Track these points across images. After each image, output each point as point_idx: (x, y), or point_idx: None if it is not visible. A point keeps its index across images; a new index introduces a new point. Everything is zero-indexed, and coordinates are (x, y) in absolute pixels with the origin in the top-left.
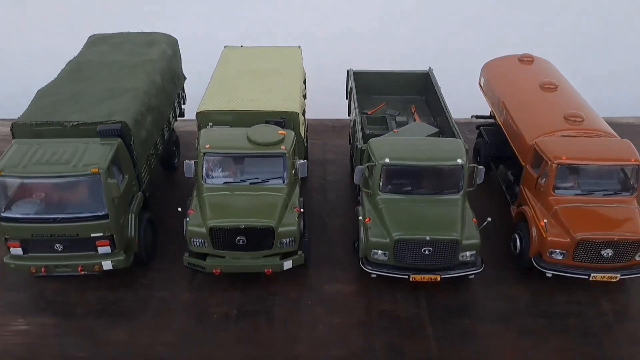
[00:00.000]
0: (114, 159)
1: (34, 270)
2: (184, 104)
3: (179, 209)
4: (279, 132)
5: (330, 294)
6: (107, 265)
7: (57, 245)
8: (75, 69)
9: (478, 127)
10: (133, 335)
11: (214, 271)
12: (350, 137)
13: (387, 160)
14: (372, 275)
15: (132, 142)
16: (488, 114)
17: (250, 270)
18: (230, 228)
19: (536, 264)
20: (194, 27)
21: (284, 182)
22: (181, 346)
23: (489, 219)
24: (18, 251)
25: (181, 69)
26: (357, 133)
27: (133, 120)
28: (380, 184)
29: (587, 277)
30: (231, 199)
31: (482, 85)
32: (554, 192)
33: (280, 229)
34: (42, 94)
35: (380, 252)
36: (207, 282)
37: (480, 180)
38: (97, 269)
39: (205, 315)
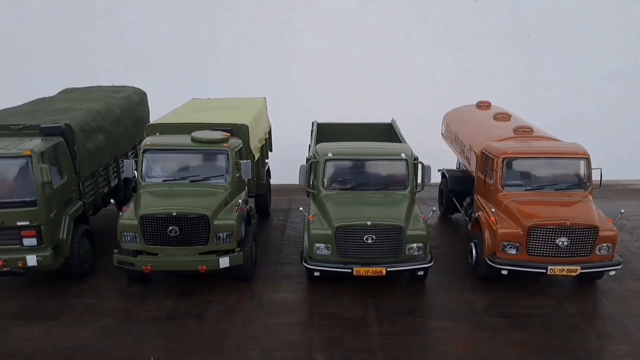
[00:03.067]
0: (50, 151)
1: None
2: None
3: (112, 201)
4: (224, 134)
5: (272, 301)
6: (31, 260)
7: None
8: (38, 100)
9: (440, 169)
10: (48, 333)
11: (144, 268)
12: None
13: (329, 155)
14: (315, 274)
15: (75, 147)
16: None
17: (183, 268)
18: (161, 216)
19: (491, 262)
20: (166, 85)
21: (225, 181)
22: (98, 341)
23: (434, 208)
24: None
25: (148, 120)
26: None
27: (79, 127)
28: (325, 181)
29: (544, 270)
30: (168, 192)
31: (443, 133)
32: (502, 188)
33: (216, 222)
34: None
35: (322, 246)
36: (141, 292)
37: (428, 180)
38: (21, 265)
39: (131, 317)
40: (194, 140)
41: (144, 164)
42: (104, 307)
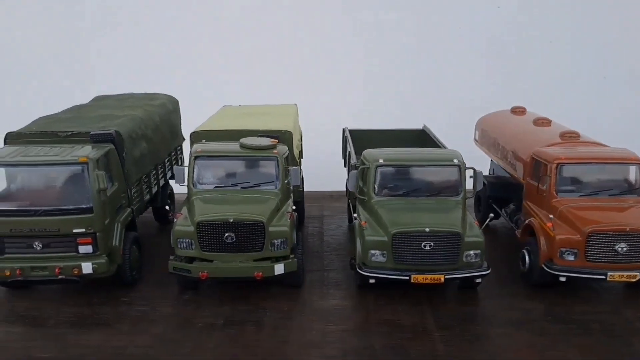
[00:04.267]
0: (104, 158)
1: (8, 274)
2: (180, 165)
3: (167, 207)
4: (272, 140)
5: (325, 308)
6: (87, 268)
7: (36, 243)
8: (75, 107)
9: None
10: (106, 340)
11: (200, 275)
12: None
13: (380, 161)
14: (371, 281)
15: (124, 154)
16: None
17: (239, 275)
18: (218, 222)
19: (548, 268)
20: (196, 91)
21: (276, 187)
22: (157, 348)
23: (491, 215)
24: None
25: (180, 128)
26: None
27: (127, 134)
28: (376, 187)
29: (603, 277)
30: (222, 198)
31: (477, 139)
32: (557, 194)
33: (271, 228)
34: (40, 118)
35: (377, 252)
36: (193, 299)
37: (479, 186)
38: (77, 272)
39: (188, 324)
40: (243, 146)
41: (195, 170)
42: (158, 314)
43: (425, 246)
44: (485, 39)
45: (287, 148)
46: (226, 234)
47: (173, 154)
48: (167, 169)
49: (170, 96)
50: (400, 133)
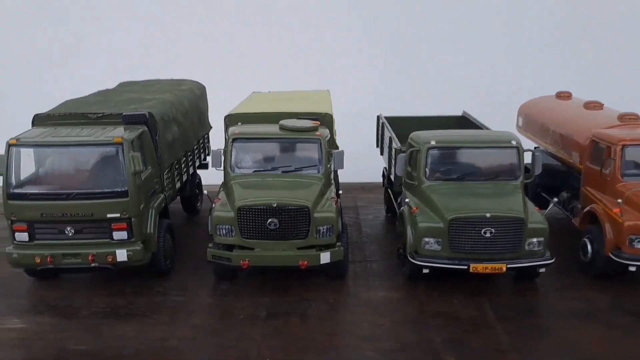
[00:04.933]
0: (138, 140)
1: (39, 261)
2: (206, 154)
3: (205, 192)
4: (314, 122)
5: (373, 299)
6: (121, 255)
7: (69, 229)
8: (102, 91)
9: None
10: (143, 331)
11: (241, 263)
12: (385, 173)
13: (432, 142)
14: (425, 271)
15: (157, 137)
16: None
17: (283, 263)
18: (261, 207)
19: (616, 257)
20: (223, 78)
21: (319, 172)
22: (200, 339)
23: (555, 199)
24: (23, 236)
25: (207, 115)
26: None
27: (160, 117)
28: (427, 171)
29: None
30: (262, 183)
31: (520, 125)
32: (622, 178)
33: (316, 214)
34: (68, 101)
35: (432, 240)
36: (231, 289)
37: (538, 170)
38: (111, 260)
39: (228, 315)
40: (282, 128)
41: (233, 153)
42: (196, 304)
43: (485, 233)
44: (517, 26)
45: (328, 131)
46: (269, 220)
47: (201, 141)
48: (195, 157)
49: (197, 82)
50: (439, 120)
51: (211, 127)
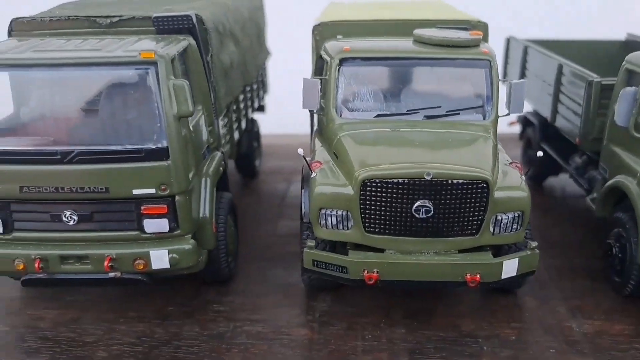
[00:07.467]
0: (181, 58)
1: (22, 267)
2: (264, 92)
3: (300, 150)
4: (473, 32)
5: (584, 337)
6: (159, 259)
7: (68, 214)
8: None
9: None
10: None
11: (364, 276)
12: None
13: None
14: None
15: (209, 57)
16: None
17: (434, 278)
18: (405, 180)
19: None
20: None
21: (486, 117)
22: None
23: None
24: None
25: (265, 34)
26: None
27: (212, 24)
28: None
29: None
30: (395, 135)
31: None
32: None
33: (498, 193)
34: (66, 2)
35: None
36: (336, 311)
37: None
38: (142, 268)
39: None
40: (423, 42)
41: (340, 84)
42: (289, 341)
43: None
44: None
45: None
46: (417, 203)
47: (260, 73)
48: (255, 96)
49: None
50: (594, 45)
51: (270, 54)
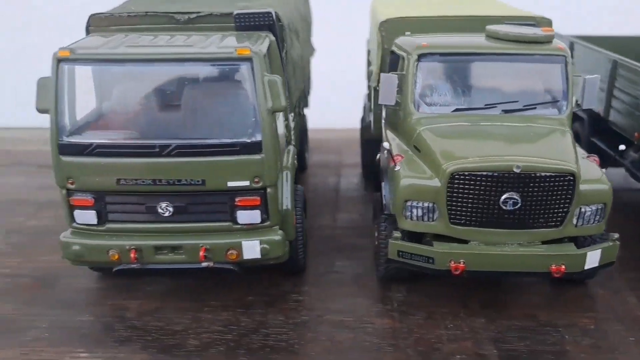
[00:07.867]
0: (267, 54)
1: (116, 257)
2: (307, 93)
3: (386, 144)
4: (546, 29)
5: None
6: (251, 249)
7: (164, 205)
8: None
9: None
10: None
11: (451, 266)
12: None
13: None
14: None
15: (284, 53)
16: None
17: (521, 268)
18: (493, 173)
19: None
20: None
21: (562, 111)
22: None
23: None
24: (89, 216)
25: (311, 28)
26: None
27: (287, 21)
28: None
29: None
30: (476, 129)
31: None
32: None
33: (583, 185)
34: None
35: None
36: (412, 301)
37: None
38: (234, 258)
39: (431, 351)
40: (497, 37)
41: (418, 80)
42: (372, 329)
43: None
44: None
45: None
46: (505, 196)
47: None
48: (307, 90)
49: None
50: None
51: (314, 50)
